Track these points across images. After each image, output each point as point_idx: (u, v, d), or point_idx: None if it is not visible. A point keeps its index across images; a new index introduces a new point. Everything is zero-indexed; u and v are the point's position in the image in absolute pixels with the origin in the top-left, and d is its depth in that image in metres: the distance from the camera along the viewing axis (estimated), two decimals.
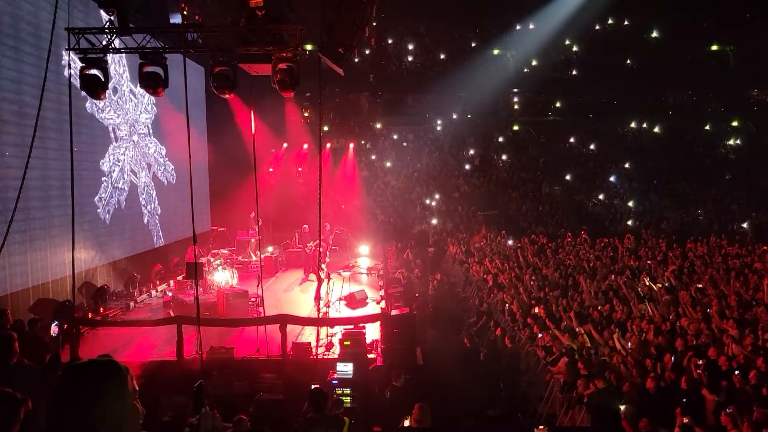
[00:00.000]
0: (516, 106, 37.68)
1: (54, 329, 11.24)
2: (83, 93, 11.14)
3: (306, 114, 31.79)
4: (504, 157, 35.12)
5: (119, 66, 17.15)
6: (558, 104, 37.43)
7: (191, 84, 21.91)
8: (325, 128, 31.71)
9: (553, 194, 32.08)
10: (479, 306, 17.10)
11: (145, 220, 19.34)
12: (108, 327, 14.16)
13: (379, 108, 36.54)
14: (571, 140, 35.62)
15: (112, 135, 17.05)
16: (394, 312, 14.89)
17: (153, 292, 17.89)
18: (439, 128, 36.42)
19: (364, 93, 35.93)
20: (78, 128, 13.48)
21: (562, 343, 11.76)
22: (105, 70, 10.41)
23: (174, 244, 21.08)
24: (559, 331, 12.38)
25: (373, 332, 13.65)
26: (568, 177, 32.84)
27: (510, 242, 24.74)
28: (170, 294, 16.90)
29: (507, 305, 15.45)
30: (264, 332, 12.39)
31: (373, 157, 34.19)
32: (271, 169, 29.16)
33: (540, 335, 12.77)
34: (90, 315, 14.72)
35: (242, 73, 11.03)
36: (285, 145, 30.20)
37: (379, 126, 35.91)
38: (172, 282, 18.31)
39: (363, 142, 34.50)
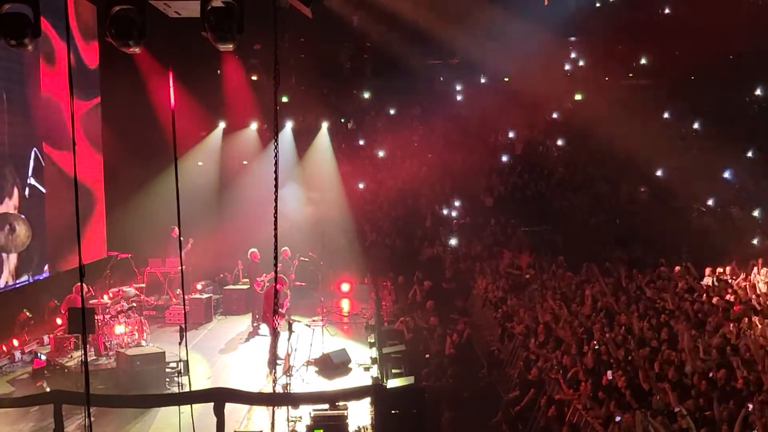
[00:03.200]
0: (580, 62, 37.72)
1: None
2: None
3: (254, 78, 31.80)
4: (560, 142, 35.10)
5: None
6: (644, 60, 37.50)
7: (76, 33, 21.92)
8: (284, 99, 31.68)
9: (637, 199, 32.06)
10: (525, 373, 17.11)
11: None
12: None
13: (366, 67, 36.59)
14: (666, 115, 35.67)
15: None
16: (393, 383, 14.89)
17: (17, 354, 17.82)
18: (459, 98, 36.46)
19: (344, 44, 35.96)
20: None
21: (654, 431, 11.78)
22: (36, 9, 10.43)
23: (49, 281, 21.00)
24: (649, 411, 12.40)
25: (359, 414, 13.64)
26: (659, 173, 32.82)
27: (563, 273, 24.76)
28: (43, 357, 16.85)
29: (568, 372, 15.44)
30: (191, 416, 12.34)
31: (362, 143, 34.23)
32: (200, 163, 29.16)
33: (619, 419, 12.76)
34: None
35: (156, 14, 11.04)
36: (222, 125, 30.20)
37: (367, 95, 35.93)
38: (46, 338, 18.25)
39: (343, 120, 34.53)
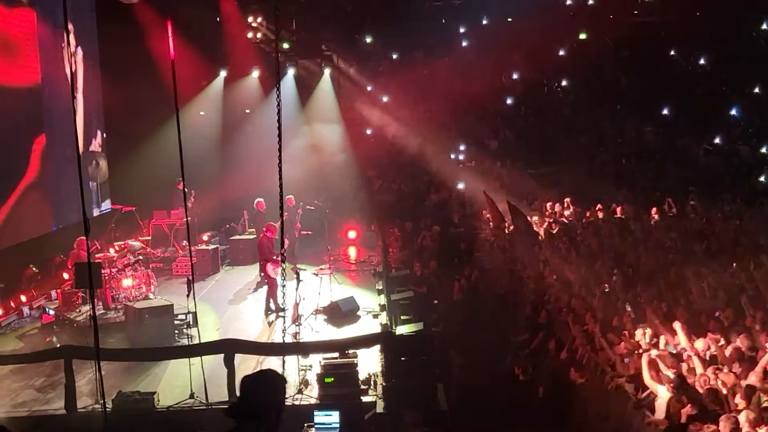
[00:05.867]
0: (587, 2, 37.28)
1: None
2: None
3: (254, 25, 31.53)
4: (565, 83, 34.83)
5: None
6: None
7: None
8: (285, 45, 31.43)
9: (643, 139, 31.92)
10: (534, 316, 17.14)
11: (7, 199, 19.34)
12: None
13: (368, 11, 36.20)
14: (672, 53, 35.37)
15: None
16: (401, 330, 14.94)
17: (25, 310, 17.92)
18: (462, 40, 36.14)
19: None
20: None
21: (662, 370, 11.79)
22: None
23: (54, 235, 21.07)
24: (657, 351, 12.42)
25: (369, 362, 13.71)
26: (665, 111, 32.62)
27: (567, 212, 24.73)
28: (52, 312, 16.93)
29: (577, 313, 15.46)
30: (201, 367, 12.43)
31: (369, 89, 34.00)
32: (202, 113, 29.03)
33: (627, 359, 12.80)
34: None
35: None
36: (223, 74, 30.01)
37: (369, 40, 35.61)
38: (53, 293, 18.34)
39: (343, 66, 34.26)
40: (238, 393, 4.67)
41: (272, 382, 4.74)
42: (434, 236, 22.95)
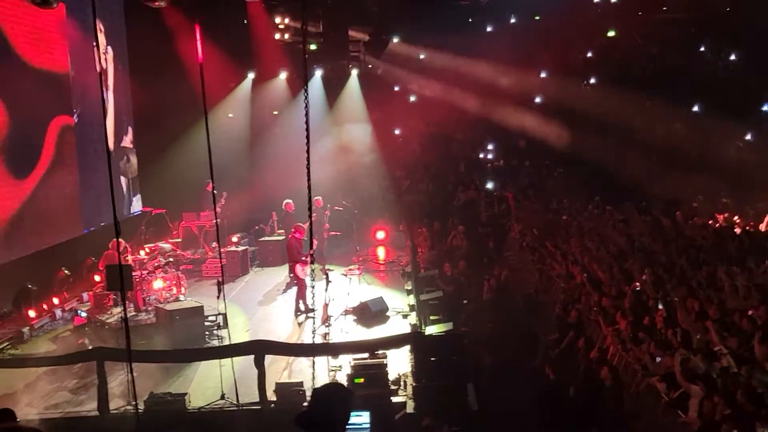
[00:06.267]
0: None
1: None
2: None
3: (282, 27, 31.62)
4: (593, 80, 34.67)
5: None
6: None
7: None
8: (312, 47, 31.50)
9: (672, 135, 31.72)
10: (564, 315, 17.08)
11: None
12: None
13: (395, 10, 36.21)
14: (701, 49, 35.10)
15: None
16: (431, 330, 14.94)
17: (58, 312, 18.07)
18: (490, 39, 36.02)
19: None
20: None
21: (694, 369, 11.72)
22: None
23: (85, 237, 21.24)
24: (689, 350, 12.34)
25: (399, 362, 13.72)
26: (695, 108, 32.40)
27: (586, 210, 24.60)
28: (84, 314, 17.06)
29: (607, 313, 15.40)
30: (231, 368, 12.50)
31: (396, 89, 34.01)
32: (231, 115, 29.15)
33: (659, 359, 12.73)
34: None
35: None
36: (251, 75, 30.13)
37: (396, 40, 35.63)
38: (85, 295, 18.49)
39: (371, 67, 34.28)
40: (308, 402, 4.87)
41: (344, 398, 4.88)
42: (461, 236, 22.94)
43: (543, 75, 34.95)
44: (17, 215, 18.02)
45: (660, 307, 14.82)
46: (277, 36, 30.21)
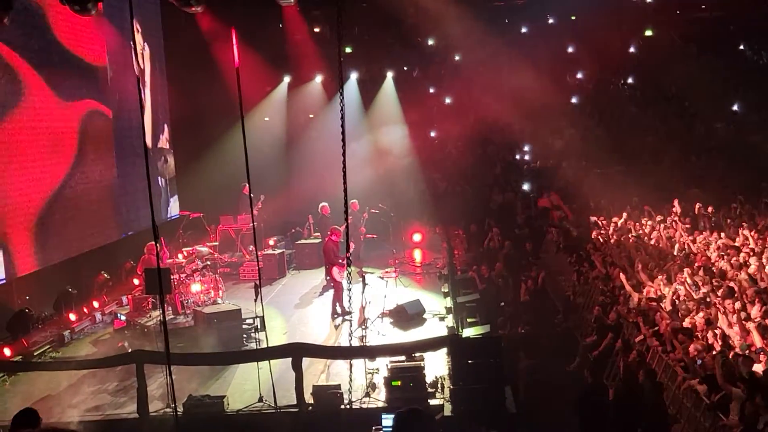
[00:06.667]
0: None
1: None
2: None
3: (317, 30, 31.72)
4: (631, 80, 34.39)
5: None
6: None
7: None
8: (348, 49, 31.58)
9: (713, 135, 31.42)
10: (603, 317, 16.98)
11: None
12: (34, 370, 14.53)
13: (430, 12, 36.17)
14: (741, 47, 34.73)
15: None
16: (468, 332, 14.90)
17: (98, 316, 18.26)
18: (526, 40, 35.88)
19: None
20: None
21: (736, 373, 11.59)
22: None
23: (124, 241, 21.43)
24: (732, 353, 12.21)
25: (436, 365, 13.69)
26: (735, 107, 32.03)
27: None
28: (123, 318, 17.22)
29: (647, 315, 15.28)
30: (269, 371, 12.54)
31: (430, 90, 33.97)
32: (267, 119, 29.30)
33: (700, 362, 12.60)
34: (6, 354, 15.11)
35: None
36: (287, 79, 30.27)
37: (431, 42, 35.60)
38: (125, 299, 18.66)
39: (406, 69, 34.27)
40: (392, 425, 4.93)
41: (426, 425, 4.93)
42: (496, 238, 22.88)
43: (580, 75, 34.77)
44: (54, 210, 18.25)
45: (702, 308, 14.70)
46: (313, 40, 30.34)
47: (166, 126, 25.30)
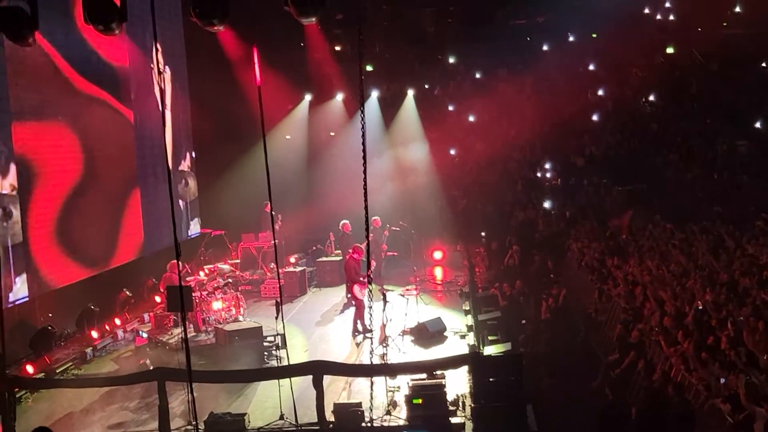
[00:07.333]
0: (670, 16, 36.74)
1: None
2: None
3: (338, 48, 31.89)
4: (652, 97, 34.34)
5: None
6: (738, 8, 36.26)
7: (161, 12, 22.28)
8: (369, 68, 31.70)
9: (735, 153, 31.25)
10: (625, 335, 16.89)
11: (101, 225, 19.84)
12: (56, 387, 14.62)
13: (451, 30, 36.28)
14: (763, 65, 34.59)
15: None
16: (489, 350, 14.86)
17: (120, 333, 18.36)
18: (547, 57, 35.91)
19: (427, 10, 35.70)
20: None
21: (760, 391, 11.50)
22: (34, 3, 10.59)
23: (146, 259, 21.55)
24: (756, 371, 12.12)
25: (457, 383, 13.67)
26: (758, 125, 31.89)
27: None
28: (145, 335, 17.32)
29: (669, 333, 15.18)
30: (290, 389, 12.55)
31: (451, 108, 34.02)
32: (288, 137, 29.43)
33: (723, 380, 12.51)
34: (29, 371, 15.20)
35: None
36: (308, 97, 30.40)
37: (452, 60, 35.68)
38: (146, 316, 18.76)
39: (427, 87, 34.36)
40: None
41: None
42: (517, 255, 22.83)
43: (601, 92, 34.73)
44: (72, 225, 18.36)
45: (728, 326, 14.59)
46: (334, 58, 30.49)
47: (188, 153, 25.40)
